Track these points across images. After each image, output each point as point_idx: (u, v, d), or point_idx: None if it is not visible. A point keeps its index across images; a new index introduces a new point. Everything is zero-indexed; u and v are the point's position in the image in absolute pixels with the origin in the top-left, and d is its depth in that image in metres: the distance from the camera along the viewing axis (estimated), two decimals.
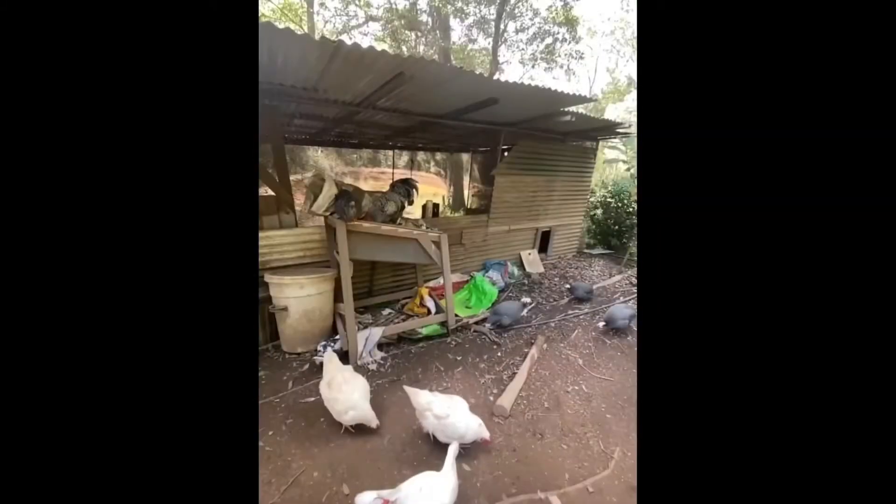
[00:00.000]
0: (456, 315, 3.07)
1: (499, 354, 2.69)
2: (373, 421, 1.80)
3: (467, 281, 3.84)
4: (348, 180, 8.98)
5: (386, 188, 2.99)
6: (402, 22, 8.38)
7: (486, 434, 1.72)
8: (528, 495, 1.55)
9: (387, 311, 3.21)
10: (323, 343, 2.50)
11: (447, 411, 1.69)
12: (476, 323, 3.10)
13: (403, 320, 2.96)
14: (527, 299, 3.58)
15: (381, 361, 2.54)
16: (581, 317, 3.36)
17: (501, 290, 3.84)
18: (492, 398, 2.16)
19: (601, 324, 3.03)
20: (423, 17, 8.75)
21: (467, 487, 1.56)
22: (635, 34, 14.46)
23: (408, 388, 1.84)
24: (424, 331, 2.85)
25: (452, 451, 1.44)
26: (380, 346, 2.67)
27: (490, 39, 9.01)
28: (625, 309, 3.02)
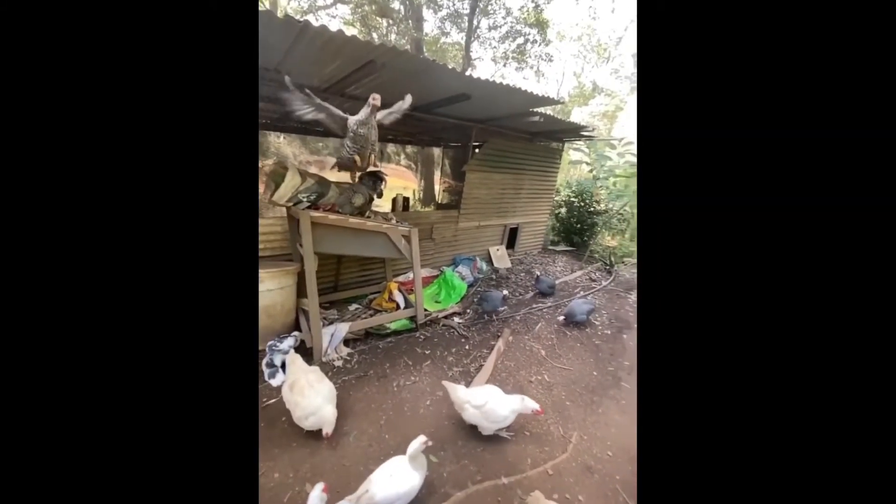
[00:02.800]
0: (425, 310, 3.07)
1: (467, 347, 2.74)
2: (327, 427, 1.71)
3: (437, 276, 3.86)
4: (313, 170, 8.56)
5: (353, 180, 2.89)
6: (373, 7, 8.08)
7: (534, 405, 1.80)
8: (493, 481, 1.61)
9: (354, 307, 3.14)
10: (270, 342, 2.33)
11: (484, 399, 1.77)
12: (445, 317, 3.14)
13: (371, 315, 2.91)
14: (506, 291, 3.71)
15: (348, 357, 2.48)
16: (545, 310, 3.52)
17: (470, 285, 3.90)
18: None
19: (561, 317, 3.20)
20: (395, 5, 8.50)
21: (434, 477, 1.58)
22: (600, 41, 15.17)
23: (446, 384, 1.92)
24: (393, 326, 2.83)
25: (418, 441, 1.46)
26: (346, 341, 2.60)
27: (463, 34, 8.99)
28: (584, 304, 3.22)
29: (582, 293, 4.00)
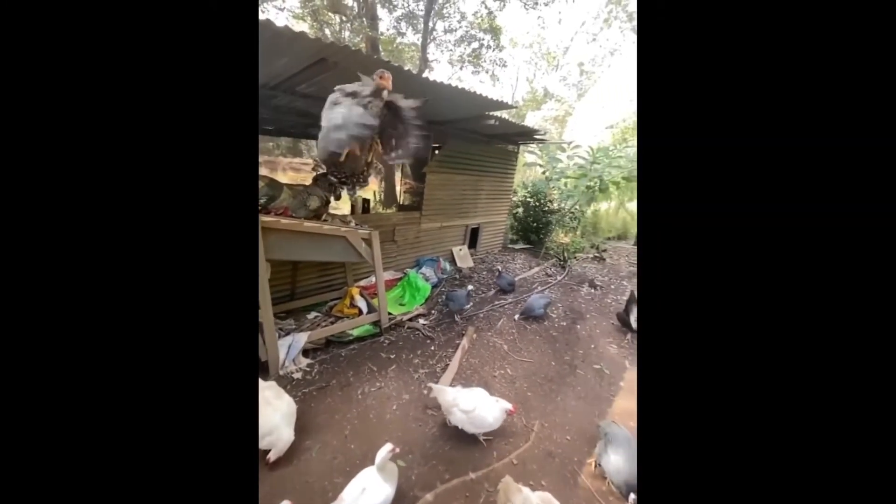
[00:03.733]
0: (389, 313, 3.03)
1: (432, 348, 2.76)
2: (275, 453, 1.57)
3: (400, 278, 3.82)
4: (264, 171, 8.00)
5: (308, 181, 2.76)
6: (325, 2, 7.75)
7: (507, 405, 1.83)
8: (461, 478, 1.65)
9: (313, 315, 2.99)
10: None
11: (473, 404, 1.77)
12: (410, 319, 3.12)
13: (332, 323, 2.80)
14: (470, 287, 3.75)
15: (307, 369, 2.36)
16: (506, 306, 3.66)
17: (435, 286, 3.92)
18: (426, 392, 2.21)
19: (517, 316, 3.35)
20: (349, 1, 8.24)
21: (403, 482, 1.57)
22: (549, 50, 16.08)
23: (434, 387, 1.92)
24: (355, 332, 2.75)
25: (384, 449, 1.44)
26: (305, 352, 2.48)
27: (419, 36, 9.00)
28: (540, 298, 3.40)
29: (539, 288, 4.22)
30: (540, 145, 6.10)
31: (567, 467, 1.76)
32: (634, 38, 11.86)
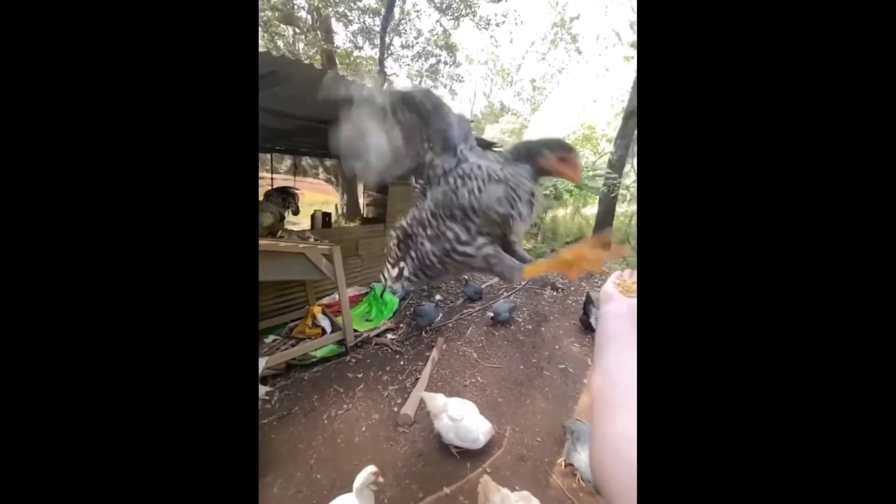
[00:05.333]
0: (355, 330, 2.93)
1: (402, 363, 2.70)
2: None
3: (366, 293, 3.72)
4: None
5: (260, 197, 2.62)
6: (276, 14, 7.56)
7: (489, 426, 1.83)
8: (435, 494, 1.61)
9: (271, 339, 2.80)
10: None
11: (462, 413, 1.75)
12: (377, 335, 3.03)
13: (293, 345, 2.64)
14: (438, 297, 3.73)
15: (266, 397, 2.19)
16: (474, 314, 3.70)
17: (403, 299, 3.87)
18: (396, 409, 2.15)
19: (490, 314, 3.40)
20: (303, 14, 8.12)
21: None
22: (504, 67, 17.00)
23: (424, 394, 1.94)
24: (319, 353, 2.61)
25: (366, 472, 1.38)
26: (263, 379, 2.30)
27: (377, 50, 9.08)
28: (505, 304, 3.49)
29: (505, 293, 4.33)
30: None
31: (539, 469, 1.79)
32: (579, 57, 12.94)
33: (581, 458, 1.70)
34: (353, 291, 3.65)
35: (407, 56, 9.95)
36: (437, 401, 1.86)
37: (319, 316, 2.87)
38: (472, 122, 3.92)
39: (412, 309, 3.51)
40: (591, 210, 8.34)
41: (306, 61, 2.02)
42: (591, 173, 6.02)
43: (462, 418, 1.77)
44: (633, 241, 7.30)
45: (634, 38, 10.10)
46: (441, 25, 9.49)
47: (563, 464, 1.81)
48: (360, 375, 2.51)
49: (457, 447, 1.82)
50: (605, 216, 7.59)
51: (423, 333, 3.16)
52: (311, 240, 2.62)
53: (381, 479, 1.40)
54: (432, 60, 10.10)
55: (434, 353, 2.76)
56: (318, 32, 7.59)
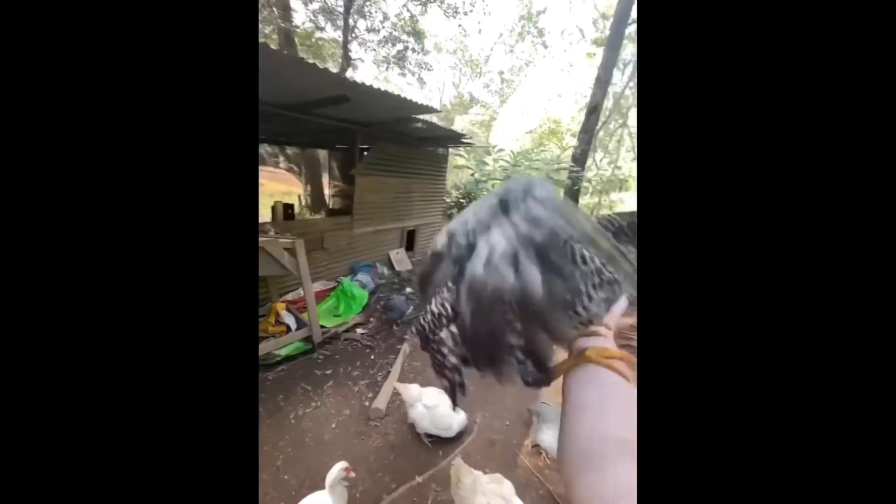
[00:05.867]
0: (323, 326, 2.83)
1: (372, 357, 2.67)
2: None
3: (333, 288, 3.61)
4: None
5: None
6: None
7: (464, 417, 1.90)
8: (408, 484, 1.63)
9: None
10: None
11: (436, 402, 1.77)
12: (346, 331, 2.97)
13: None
14: (409, 289, 3.70)
15: None
16: None
17: (372, 292, 3.80)
18: (367, 403, 2.14)
19: None
20: None
21: (348, 502, 1.49)
22: (472, 57, 16.92)
23: (398, 385, 1.96)
24: (284, 352, 2.50)
25: (337, 468, 1.35)
26: None
27: (340, 32, 8.60)
28: None
29: None
30: (468, 149, 6.38)
31: (508, 451, 1.88)
32: (545, 52, 13.21)
33: (546, 438, 1.80)
34: (319, 286, 3.52)
35: (373, 41, 9.55)
36: (411, 391, 1.88)
37: (283, 313, 2.74)
38: (440, 111, 3.88)
39: (382, 303, 3.47)
40: None
41: (261, 40, 1.86)
42: (556, 167, 6.24)
43: (437, 406, 1.81)
44: None
45: (597, 34, 10.46)
46: (408, 11, 9.20)
47: (530, 445, 1.91)
48: (328, 372, 2.44)
49: (430, 436, 1.85)
50: None
51: (395, 327, 3.13)
52: (272, 233, 2.47)
53: (352, 475, 1.39)
54: (400, 47, 9.79)
55: (405, 346, 2.76)
56: (275, 9, 7.02)
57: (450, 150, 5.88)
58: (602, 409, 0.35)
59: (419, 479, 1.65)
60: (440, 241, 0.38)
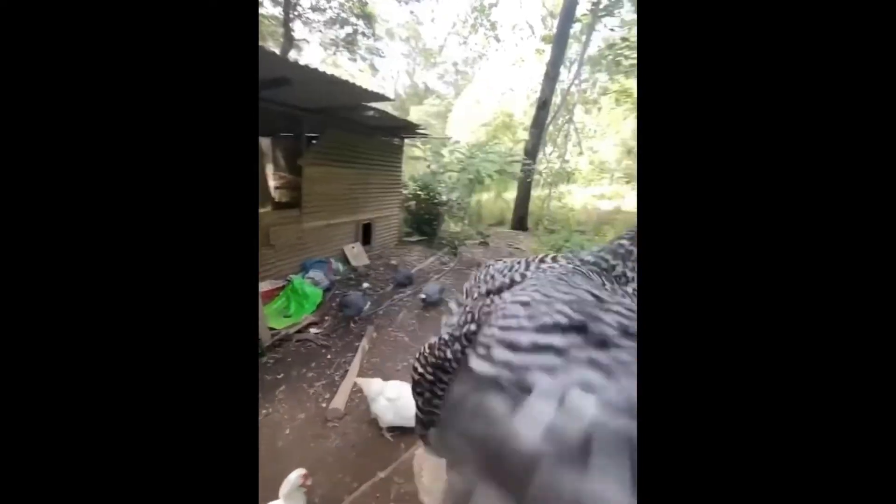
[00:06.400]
0: (271, 329, 2.64)
1: (329, 357, 2.56)
2: None
3: (283, 287, 3.37)
4: None
5: None
6: None
7: None
8: (370, 481, 1.61)
9: None
10: None
11: (399, 393, 1.74)
12: (298, 332, 2.80)
13: None
14: (366, 285, 3.58)
15: None
16: (405, 299, 3.70)
17: (327, 290, 3.62)
18: (325, 404, 2.05)
19: (421, 296, 3.44)
20: None
21: None
22: (426, 46, 16.61)
23: (359, 379, 1.94)
24: None
25: (294, 475, 1.28)
26: None
27: (281, 9, 7.85)
28: (435, 285, 3.58)
29: (435, 276, 4.44)
30: (423, 140, 6.31)
31: None
32: (497, 45, 13.43)
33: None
34: (266, 286, 3.26)
35: (319, 21, 8.89)
36: (373, 385, 1.85)
37: None
38: (394, 100, 3.76)
39: (338, 300, 3.33)
40: (512, 195, 9.01)
41: None
42: (509, 159, 6.45)
43: (399, 398, 1.80)
44: (546, 222, 8.19)
45: (545, 31, 10.89)
46: None
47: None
48: (280, 376, 2.29)
49: (392, 429, 1.84)
50: (523, 200, 8.30)
51: (353, 324, 3.03)
52: None
53: (309, 482, 1.33)
54: (349, 30, 9.24)
55: (364, 343, 2.69)
56: None
57: (405, 141, 5.76)
58: None
59: (381, 474, 1.64)
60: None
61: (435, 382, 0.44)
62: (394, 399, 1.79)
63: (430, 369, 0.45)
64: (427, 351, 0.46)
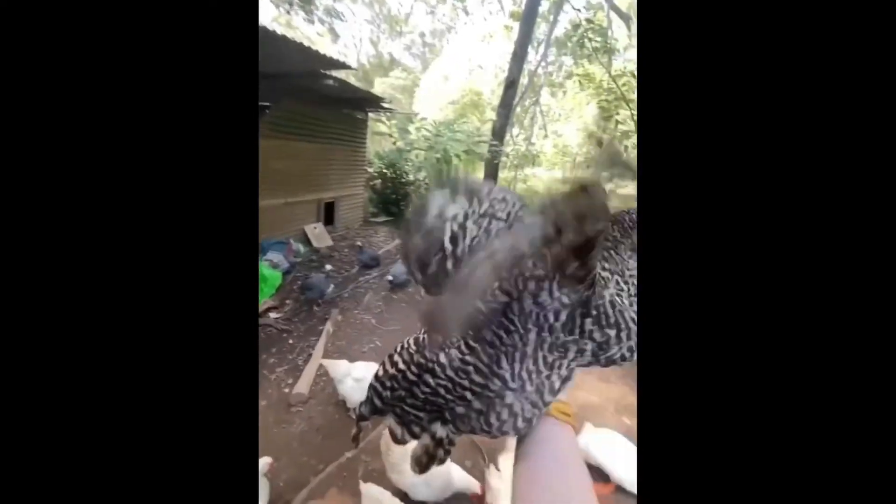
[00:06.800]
0: None
1: (291, 342, 2.47)
2: None
3: None
4: None
5: None
6: None
7: None
8: (336, 462, 1.61)
9: None
10: None
11: (366, 374, 1.69)
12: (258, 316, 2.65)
13: None
14: (329, 267, 3.45)
15: None
16: (371, 281, 3.63)
17: (287, 272, 3.44)
18: (287, 389, 1.99)
19: (388, 277, 3.39)
20: None
21: (272, 495, 1.40)
22: (390, 12, 15.52)
23: (325, 361, 1.91)
24: None
25: (261, 462, 1.25)
26: None
27: None
28: (401, 266, 3.55)
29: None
30: (389, 115, 6.02)
31: None
32: (466, 18, 12.92)
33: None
34: None
35: None
36: (339, 366, 1.82)
37: None
38: (356, 69, 3.51)
39: (300, 282, 3.18)
40: (479, 175, 9.01)
41: None
42: (476, 139, 6.40)
43: (366, 378, 1.78)
44: None
45: (514, 7, 10.64)
46: None
47: None
48: None
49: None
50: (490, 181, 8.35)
51: (315, 307, 2.93)
52: None
53: (273, 464, 1.31)
54: None
55: (328, 326, 2.62)
56: None
57: (370, 115, 5.45)
58: (560, 461, 0.36)
59: (349, 454, 1.65)
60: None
61: (417, 384, 0.43)
62: (361, 380, 1.78)
63: (414, 369, 0.44)
64: (413, 348, 0.45)
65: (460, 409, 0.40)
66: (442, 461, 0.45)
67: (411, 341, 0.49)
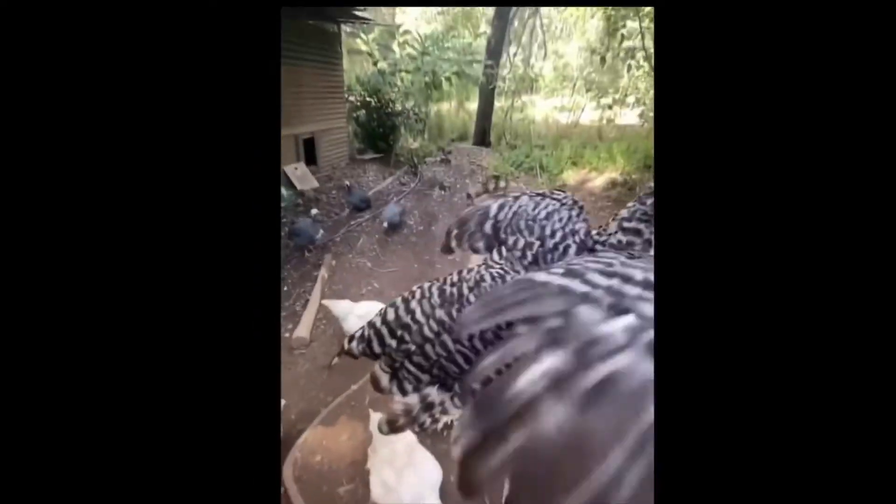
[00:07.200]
0: None
1: (285, 289, 2.43)
2: None
3: None
4: None
5: None
6: None
7: None
8: (345, 394, 1.70)
9: None
10: None
11: (369, 310, 1.70)
12: None
13: None
14: (315, 211, 3.30)
15: None
16: (364, 223, 3.50)
17: None
18: (287, 334, 2.01)
19: (384, 223, 3.26)
20: None
21: (284, 426, 1.49)
22: None
23: (327, 302, 1.90)
24: None
25: None
26: None
27: None
28: (394, 206, 3.38)
29: (395, 198, 4.18)
30: (366, 27, 5.14)
31: None
32: None
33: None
34: None
35: None
36: (341, 305, 1.81)
37: None
38: None
39: (287, 229, 3.03)
40: (474, 105, 8.20)
41: None
42: (469, 58, 5.62)
43: (370, 314, 1.78)
44: (509, 137, 7.80)
45: None
46: None
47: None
48: None
49: None
50: (485, 111, 7.65)
51: (307, 253, 2.84)
52: None
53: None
54: None
55: (323, 272, 2.57)
56: None
57: (343, 28, 4.63)
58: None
59: (354, 386, 1.73)
60: None
61: (432, 343, 0.38)
62: (364, 315, 1.79)
63: (433, 325, 0.37)
64: (438, 300, 0.39)
65: (475, 386, 0.33)
66: (420, 430, 0.42)
67: (434, 291, 0.42)
